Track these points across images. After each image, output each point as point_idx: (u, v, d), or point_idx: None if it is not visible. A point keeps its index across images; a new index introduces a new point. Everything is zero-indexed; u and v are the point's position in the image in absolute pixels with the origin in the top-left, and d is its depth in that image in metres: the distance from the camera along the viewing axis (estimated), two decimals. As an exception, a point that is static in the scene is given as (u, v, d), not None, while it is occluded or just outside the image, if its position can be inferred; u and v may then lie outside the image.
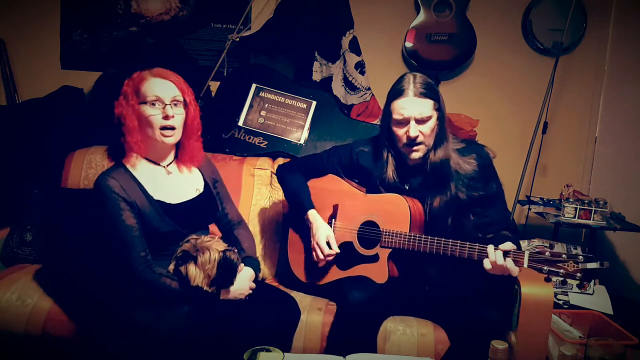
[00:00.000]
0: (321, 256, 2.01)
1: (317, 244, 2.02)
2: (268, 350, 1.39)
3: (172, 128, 1.81)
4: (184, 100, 1.85)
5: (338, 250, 2.02)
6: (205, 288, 1.76)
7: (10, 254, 2.36)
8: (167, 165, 1.91)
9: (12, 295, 2.03)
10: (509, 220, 2.12)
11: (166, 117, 1.79)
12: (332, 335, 1.94)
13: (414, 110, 1.86)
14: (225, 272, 1.80)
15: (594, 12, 3.07)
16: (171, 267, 1.79)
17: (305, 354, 1.93)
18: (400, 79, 1.92)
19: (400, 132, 1.91)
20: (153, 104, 1.79)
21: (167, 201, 1.85)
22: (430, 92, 1.88)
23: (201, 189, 1.97)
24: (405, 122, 1.89)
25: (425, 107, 1.87)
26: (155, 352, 1.76)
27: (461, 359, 1.84)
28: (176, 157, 1.94)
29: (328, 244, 2.02)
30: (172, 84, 1.82)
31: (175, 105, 1.81)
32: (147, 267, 1.76)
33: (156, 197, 1.83)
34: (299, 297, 2.06)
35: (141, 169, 1.86)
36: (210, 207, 2.00)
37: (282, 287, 2.15)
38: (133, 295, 1.79)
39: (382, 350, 1.93)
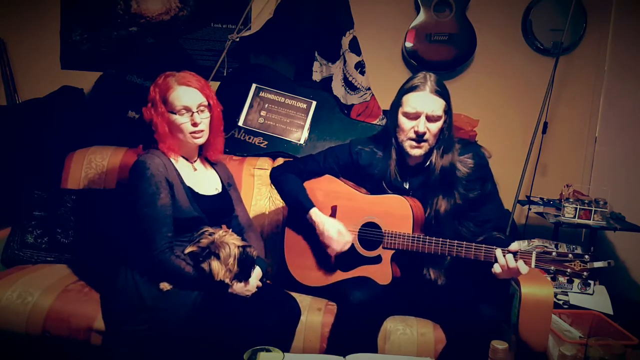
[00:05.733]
0: (338, 248, 1.99)
1: (331, 237, 1.99)
2: (268, 350, 1.39)
3: (201, 130, 1.95)
4: (209, 103, 1.96)
5: (351, 239, 2.01)
6: (227, 281, 1.82)
7: (12, 256, 2.35)
8: (194, 162, 2.03)
9: (13, 293, 2.03)
10: (502, 219, 2.13)
11: (194, 124, 1.92)
12: (333, 335, 1.94)
13: (427, 106, 1.88)
14: (245, 267, 1.87)
15: (594, 12, 3.06)
16: (189, 249, 1.84)
17: (305, 354, 1.93)
18: (415, 75, 1.94)
19: (407, 125, 1.92)
20: (182, 114, 1.90)
21: (196, 190, 1.95)
22: (444, 92, 1.92)
23: (220, 189, 2.07)
24: (415, 117, 1.90)
25: (438, 105, 1.90)
26: (155, 342, 1.79)
27: (459, 357, 1.84)
28: (199, 153, 2.08)
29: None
30: (196, 91, 1.93)
31: (201, 111, 1.94)
32: (169, 248, 1.82)
33: (187, 184, 1.94)
34: (299, 297, 2.05)
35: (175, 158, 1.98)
36: (229, 206, 2.10)
37: (282, 287, 2.14)
38: (143, 278, 1.85)
39: (382, 350, 1.93)
